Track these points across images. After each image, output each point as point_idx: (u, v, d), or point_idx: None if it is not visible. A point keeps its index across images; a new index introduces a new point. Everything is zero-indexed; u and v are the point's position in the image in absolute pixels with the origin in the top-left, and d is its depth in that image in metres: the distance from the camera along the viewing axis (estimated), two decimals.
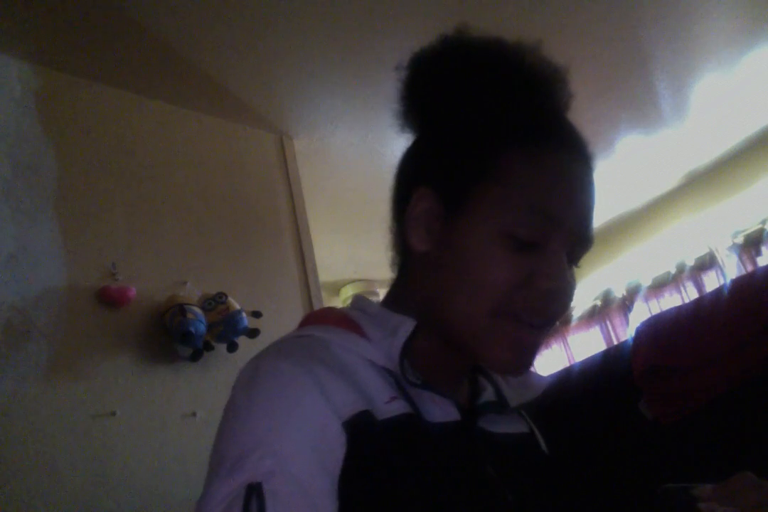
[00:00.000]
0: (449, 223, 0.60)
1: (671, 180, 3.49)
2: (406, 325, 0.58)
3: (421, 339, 0.60)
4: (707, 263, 3.44)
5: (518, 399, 0.67)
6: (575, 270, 0.63)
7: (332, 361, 0.55)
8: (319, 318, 0.66)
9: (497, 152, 0.59)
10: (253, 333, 1.75)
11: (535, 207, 0.57)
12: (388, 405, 0.55)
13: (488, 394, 0.68)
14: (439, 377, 0.62)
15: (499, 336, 0.57)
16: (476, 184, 0.59)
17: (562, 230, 0.58)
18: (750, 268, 3.22)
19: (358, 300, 0.67)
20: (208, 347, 1.71)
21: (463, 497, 0.54)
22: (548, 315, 0.59)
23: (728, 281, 1.95)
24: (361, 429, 0.51)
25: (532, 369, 0.67)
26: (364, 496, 0.49)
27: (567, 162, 0.59)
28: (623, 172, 3.20)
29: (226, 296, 1.74)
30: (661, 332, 1.81)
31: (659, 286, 3.63)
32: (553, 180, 0.58)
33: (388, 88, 0.67)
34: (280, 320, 1.92)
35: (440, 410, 0.59)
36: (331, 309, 0.69)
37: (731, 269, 3.32)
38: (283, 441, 0.49)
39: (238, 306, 1.74)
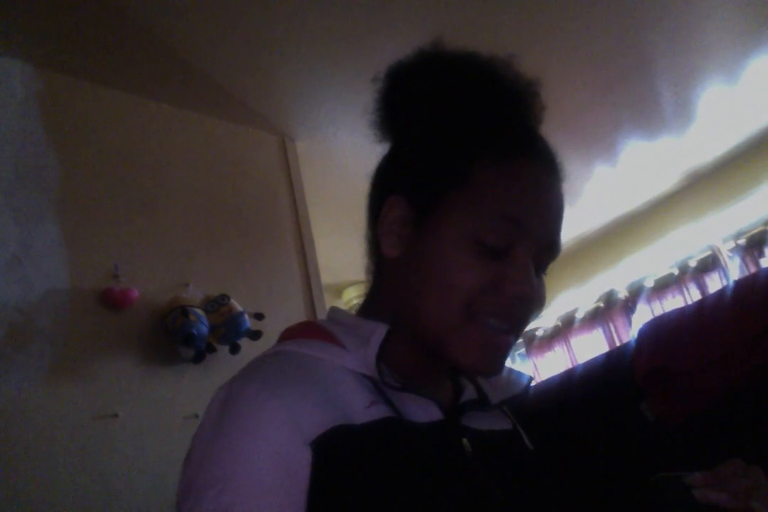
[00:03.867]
0: (420, 230, 0.62)
1: (674, 181, 3.48)
2: (380, 331, 0.60)
3: (398, 343, 0.62)
4: (710, 264, 3.43)
5: (499, 396, 0.68)
6: (543, 278, 0.63)
7: (304, 377, 0.56)
8: (295, 332, 0.67)
9: (468, 162, 0.61)
10: (255, 335, 1.75)
11: (503, 214, 0.58)
12: (368, 410, 0.55)
13: (470, 393, 0.69)
14: (419, 378, 0.63)
15: (468, 338, 0.58)
16: (447, 192, 0.61)
17: (529, 237, 0.59)
18: (753, 270, 3.21)
19: (333, 312, 0.70)
20: (211, 349, 1.71)
21: (451, 494, 0.54)
22: (515, 319, 0.60)
23: (731, 282, 1.95)
24: (333, 444, 0.51)
25: (512, 366, 0.70)
26: (348, 502, 0.50)
27: (536, 172, 0.61)
28: (626, 173, 3.20)
29: (229, 298, 1.74)
30: (663, 334, 1.81)
31: (662, 288, 3.62)
32: (522, 189, 0.60)
33: None
34: (283, 322, 1.90)
35: (422, 410, 0.59)
36: (307, 323, 0.71)
37: (734, 270, 3.31)
38: (244, 474, 0.50)
39: (240, 308, 1.74)
